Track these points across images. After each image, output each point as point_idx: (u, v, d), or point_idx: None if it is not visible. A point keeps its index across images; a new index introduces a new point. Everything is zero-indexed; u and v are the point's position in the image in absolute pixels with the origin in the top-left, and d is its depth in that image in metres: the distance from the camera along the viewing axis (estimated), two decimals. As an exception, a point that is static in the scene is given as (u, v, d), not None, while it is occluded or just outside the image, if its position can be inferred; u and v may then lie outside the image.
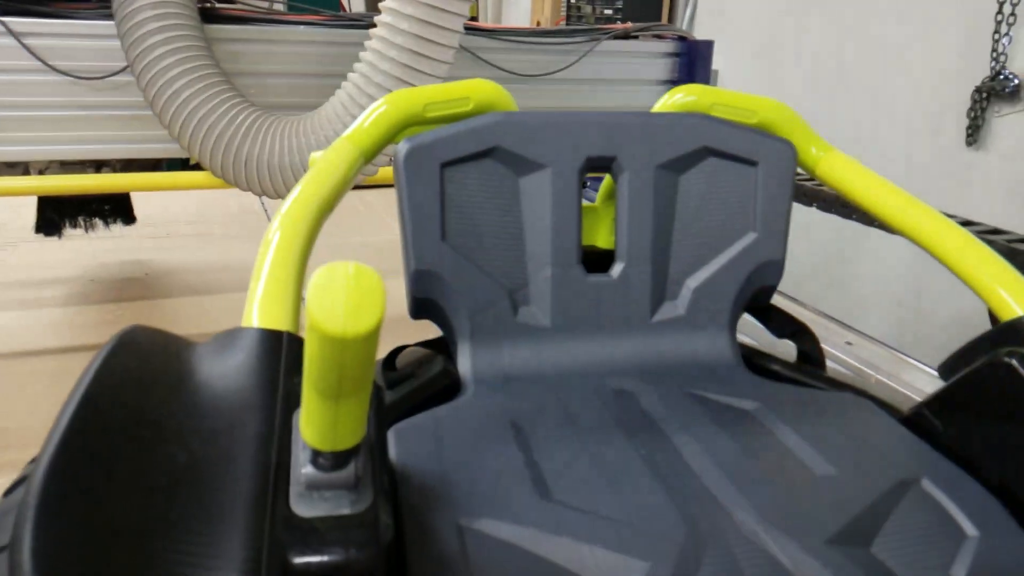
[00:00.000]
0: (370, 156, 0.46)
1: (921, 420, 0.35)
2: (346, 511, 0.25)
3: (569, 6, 2.31)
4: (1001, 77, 1.22)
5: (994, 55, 1.22)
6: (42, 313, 0.89)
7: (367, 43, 0.67)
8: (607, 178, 0.49)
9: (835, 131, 1.48)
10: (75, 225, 0.92)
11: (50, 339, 0.81)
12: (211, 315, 0.95)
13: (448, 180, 0.42)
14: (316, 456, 0.25)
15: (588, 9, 2.27)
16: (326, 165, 0.42)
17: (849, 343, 0.73)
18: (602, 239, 0.49)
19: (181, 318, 0.95)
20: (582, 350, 0.42)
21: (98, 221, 0.94)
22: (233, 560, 0.22)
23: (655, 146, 0.45)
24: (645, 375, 0.40)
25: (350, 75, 0.69)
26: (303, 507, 0.25)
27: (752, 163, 0.45)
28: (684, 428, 0.34)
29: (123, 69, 0.70)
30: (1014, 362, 0.31)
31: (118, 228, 0.95)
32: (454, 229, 0.41)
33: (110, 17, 0.67)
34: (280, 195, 0.70)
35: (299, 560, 0.24)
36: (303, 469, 0.26)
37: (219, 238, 1.26)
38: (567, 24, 2.17)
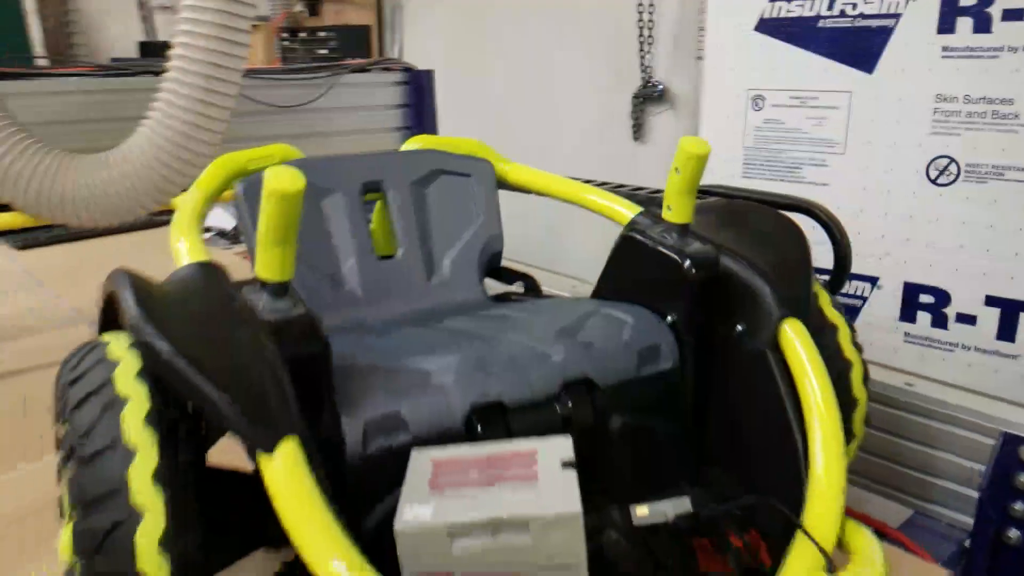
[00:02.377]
0: (212, 198, 0.61)
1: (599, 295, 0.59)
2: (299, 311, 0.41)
3: (284, 49, 2.45)
4: (650, 85, 1.59)
5: (643, 68, 1.60)
6: None
7: (163, 85, 0.79)
8: (379, 203, 0.68)
9: (531, 137, 1.80)
10: None
11: None
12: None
13: None
14: (268, 287, 0.41)
15: (302, 51, 2.42)
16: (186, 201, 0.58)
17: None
18: (390, 248, 0.67)
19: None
20: (384, 308, 0.61)
21: None
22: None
23: (406, 171, 0.67)
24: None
25: (148, 118, 0.80)
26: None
27: (467, 175, 0.68)
28: (464, 317, 0.55)
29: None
30: (631, 234, 0.55)
31: None
32: None
33: None
34: (91, 224, 0.79)
35: (270, 319, 0.39)
36: (261, 305, 0.41)
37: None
38: (283, 65, 2.31)
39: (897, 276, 1.04)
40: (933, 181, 0.99)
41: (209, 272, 0.44)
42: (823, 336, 0.51)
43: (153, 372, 0.37)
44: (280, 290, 0.41)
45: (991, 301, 0.97)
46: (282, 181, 0.38)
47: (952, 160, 0.97)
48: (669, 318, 0.52)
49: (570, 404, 0.46)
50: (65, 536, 0.39)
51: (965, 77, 0.94)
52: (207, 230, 1.62)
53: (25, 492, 0.64)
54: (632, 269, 0.56)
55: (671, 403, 0.51)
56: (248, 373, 0.36)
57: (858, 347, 0.53)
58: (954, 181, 0.97)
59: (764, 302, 0.48)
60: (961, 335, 1.00)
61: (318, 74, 1.21)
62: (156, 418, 0.35)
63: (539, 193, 0.71)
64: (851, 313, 1.09)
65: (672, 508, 0.42)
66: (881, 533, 0.64)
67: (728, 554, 0.44)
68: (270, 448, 0.34)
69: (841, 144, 1.08)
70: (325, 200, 0.63)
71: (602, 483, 0.45)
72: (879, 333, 1.06)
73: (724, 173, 1.22)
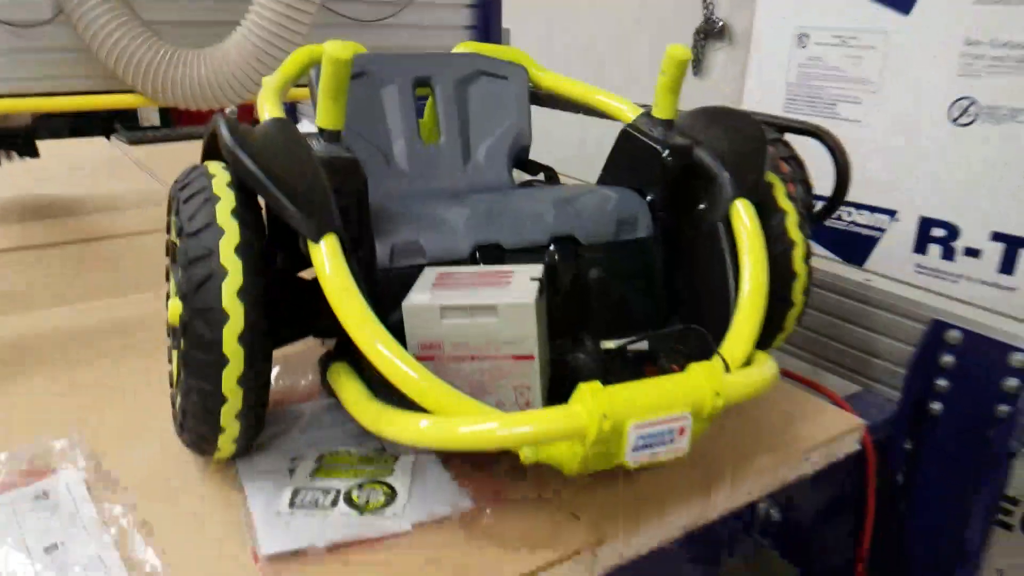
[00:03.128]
0: (291, 80, 0.74)
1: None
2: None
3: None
4: (711, 20, 1.65)
5: (705, 4, 1.65)
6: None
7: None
8: (430, 99, 0.79)
9: (589, 68, 1.88)
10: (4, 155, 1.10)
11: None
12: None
13: None
14: (324, 133, 0.54)
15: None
16: (271, 80, 0.71)
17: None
18: (434, 137, 0.79)
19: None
20: (424, 185, 0.74)
21: (11, 153, 1.11)
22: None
23: (453, 70, 0.78)
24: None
25: (243, 23, 0.94)
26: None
27: (504, 77, 0.79)
28: (486, 193, 0.67)
29: (54, 18, 0.90)
30: (627, 128, 0.66)
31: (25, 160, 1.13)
32: (349, 119, 0.69)
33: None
34: (203, 106, 0.95)
35: (323, 156, 0.52)
36: (318, 147, 0.54)
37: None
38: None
39: (913, 210, 1.11)
40: (954, 121, 1.04)
41: (283, 122, 0.57)
42: (772, 218, 0.61)
43: (239, 181, 0.51)
44: (333, 137, 0.55)
45: (997, 237, 1.03)
46: (337, 49, 0.51)
47: (973, 102, 1.02)
48: (649, 197, 0.63)
49: (556, 255, 0.58)
50: (173, 305, 0.54)
51: (993, 23, 0.99)
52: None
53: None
54: (625, 158, 0.67)
55: (643, 265, 0.63)
56: (303, 183, 0.49)
57: (803, 230, 0.63)
58: (973, 122, 1.02)
59: (722, 185, 0.59)
60: (966, 267, 1.06)
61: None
62: (238, 211, 0.49)
63: (564, 97, 0.82)
64: (869, 243, 1.17)
65: (630, 343, 0.54)
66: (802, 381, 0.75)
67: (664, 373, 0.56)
68: (316, 238, 0.48)
69: (875, 83, 1.14)
70: (383, 89, 0.75)
71: (581, 323, 0.58)
72: (895, 263, 1.14)
73: (767, 105, 1.29)
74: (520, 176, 0.82)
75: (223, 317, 0.47)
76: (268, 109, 0.65)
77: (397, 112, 0.75)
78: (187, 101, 0.91)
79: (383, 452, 0.56)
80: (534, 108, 0.81)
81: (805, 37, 1.23)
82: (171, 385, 0.58)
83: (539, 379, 0.50)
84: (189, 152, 1.56)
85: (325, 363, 0.56)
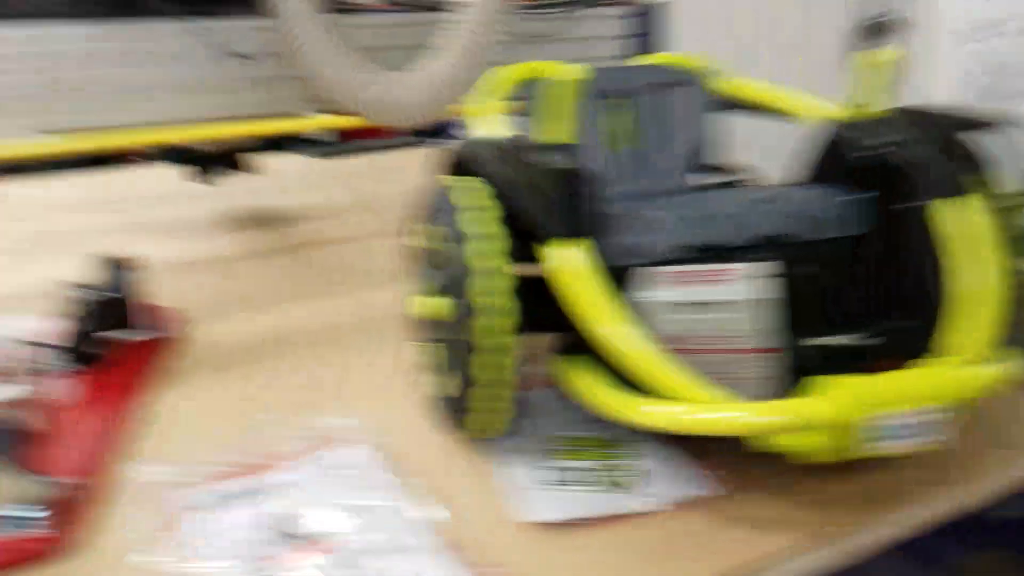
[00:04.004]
0: (505, 96, 0.81)
1: None
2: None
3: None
4: (879, 15, 1.61)
5: None
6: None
7: (459, 20, 1.01)
8: (616, 109, 0.84)
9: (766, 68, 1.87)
10: (218, 174, 1.25)
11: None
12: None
13: None
14: (551, 148, 0.60)
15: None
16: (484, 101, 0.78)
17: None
18: (619, 145, 0.83)
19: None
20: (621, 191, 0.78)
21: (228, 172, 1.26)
22: None
23: (638, 80, 0.82)
24: None
25: (446, 45, 1.03)
26: None
27: (686, 84, 0.82)
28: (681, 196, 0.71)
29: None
30: (829, 126, 0.68)
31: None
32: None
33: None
34: (397, 123, 1.05)
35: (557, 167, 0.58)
36: (548, 159, 0.60)
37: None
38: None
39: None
40: None
41: (516, 139, 0.64)
42: (994, 215, 0.62)
43: (493, 195, 0.58)
44: (569, 150, 0.61)
45: None
46: (565, 72, 0.57)
47: None
48: (855, 194, 0.66)
49: (767, 253, 0.62)
50: (431, 302, 0.62)
51: None
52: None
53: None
54: (826, 156, 0.69)
55: (853, 261, 0.65)
56: (550, 195, 0.56)
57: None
58: None
59: (932, 182, 0.60)
60: None
61: (564, 9, 1.39)
62: (497, 219, 0.56)
63: (749, 100, 0.85)
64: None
65: (841, 339, 0.57)
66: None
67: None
68: (564, 242, 0.54)
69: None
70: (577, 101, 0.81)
71: (794, 321, 0.61)
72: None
73: (944, 96, 1.26)
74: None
75: (499, 313, 0.53)
76: (488, 127, 0.72)
77: (590, 122, 0.80)
78: (390, 119, 1.02)
79: (622, 437, 0.62)
80: (716, 114, 0.85)
81: (989, 28, 1.19)
82: (425, 371, 0.66)
83: (774, 372, 0.54)
84: (374, 164, 1.69)
85: (555, 357, 0.62)
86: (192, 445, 0.63)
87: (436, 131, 2.18)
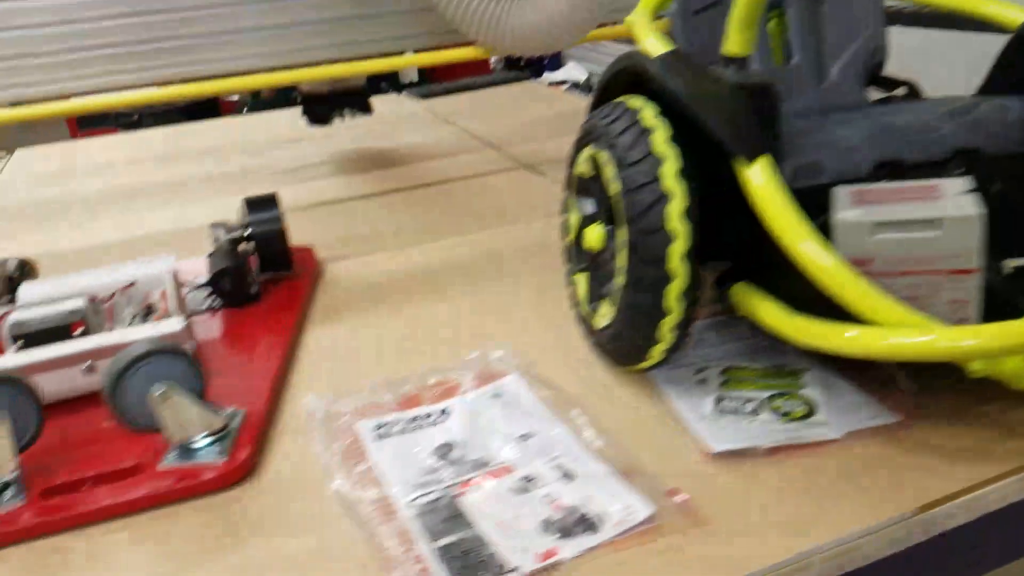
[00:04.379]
0: (658, 9, 0.76)
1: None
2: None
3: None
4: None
5: None
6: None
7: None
8: (778, 19, 0.78)
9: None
10: (336, 116, 1.25)
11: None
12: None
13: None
14: (735, 60, 0.56)
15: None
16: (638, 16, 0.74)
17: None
18: (780, 58, 0.78)
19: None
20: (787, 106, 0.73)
21: (347, 112, 1.26)
22: None
23: None
24: None
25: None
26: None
27: None
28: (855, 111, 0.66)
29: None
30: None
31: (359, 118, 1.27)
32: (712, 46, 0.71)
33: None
34: (535, 52, 1.01)
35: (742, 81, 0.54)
36: (729, 73, 0.56)
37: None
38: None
39: None
40: None
41: (682, 53, 0.60)
42: None
43: (667, 112, 0.55)
44: (743, 64, 0.57)
45: None
46: None
47: None
48: None
49: (960, 168, 0.57)
50: (593, 230, 0.60)
51: None
52: (562, 83, 1.85)
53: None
54: (1020, 64, 0.62)
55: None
56: (732, 108, 0.52)
57: None
58: None
59: None
60: None
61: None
62: (674, 140, 0.53)
63: (935, 6, 0.77)
64: None
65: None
66: None
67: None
68: (751, 159, 0.51)
69: None
70: None
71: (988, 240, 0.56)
72: None
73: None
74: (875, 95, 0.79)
75: (670, 237, 0.51)
76: (655, 43, 0.68)
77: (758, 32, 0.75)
78: (523, 48, 0.98)
79: (784, 367, 0.59)
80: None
81: None
82: (579, 301, 0.65)
83: (977, 294, 0.49)
84: (474, 103, 1.67)
85: (724, 283, 0.59)
86: (352, 377, 0.64)
87: (537, 65, 2.14)
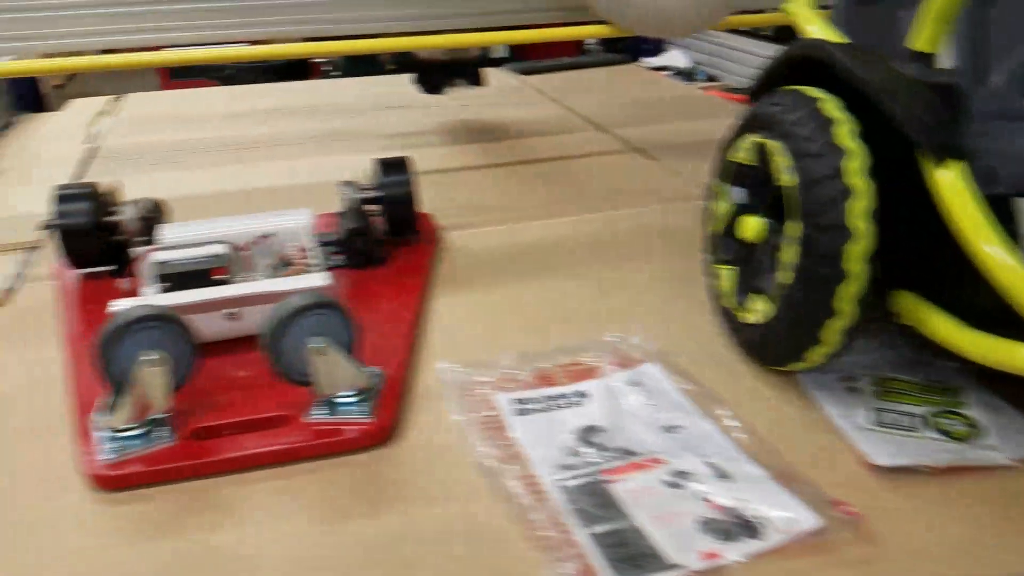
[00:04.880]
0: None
1: None
2: None
3: None
4: None
5: None
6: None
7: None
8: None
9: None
10: (449, 85, 1.24)
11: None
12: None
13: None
14: (922, 57, 0.52)
15: None
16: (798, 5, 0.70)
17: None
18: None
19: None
20: None
21: (460, 83, 1.25)
22: None
23: None
24: None
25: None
26: None
27: None
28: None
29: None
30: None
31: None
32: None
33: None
34: (669, 35, 0.98)
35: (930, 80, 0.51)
36: (914, 70, 0.53)
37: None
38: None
39: None
40: None
41: (860, 47, 0.57)
42: None
43: (851, 103, 0.52)
44: (930, 61, 0.54)
45: None
46: None
47: None
48: None
49: None
50: (750, 221, 0.57)
51: None
52: (663, 69, 1.81)
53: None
54: None
55: None
56: (925, 104, 0.49)
57: None
58: None
59: None
60: None
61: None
62: (858, 134, 0.50)
63: None
64: None
65: None
66: None
67: None
68: (941, 159, 0.48)
69: None
70: (899, 11, 0.72)
71: None
72: None
73: None
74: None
75: (850, 236, 0.48)
76: (821, 31, 0.65)
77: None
78: (658, 30, 0.96)
79: (942, 383, 0.56)
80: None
81: None
82: (724, 294, 0.62)
83: None
84: (575, 82, 1.65)
85: (884, 288, 0.57)
86: (481, 347, 0.63)
87: (635, 49, 2.10)
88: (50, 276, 0.75)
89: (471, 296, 0.73)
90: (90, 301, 0.69)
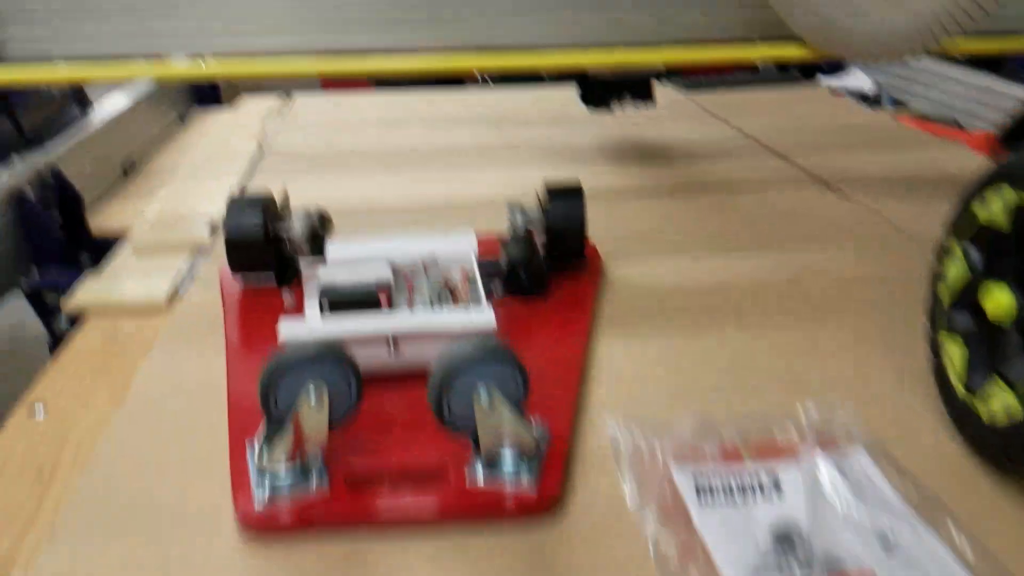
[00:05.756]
0: None
1: None
2: None
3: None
4: None
5: None
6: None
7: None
8: None
9: None
10: (617, 101, 1.18)
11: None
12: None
13: None
14: None
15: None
16: None
17: None
18: None
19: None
20: None
21: (630, 100, 1.18)
22: None
23: None
24: None
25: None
26: None
27: None
28: None
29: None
30: None
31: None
32: None
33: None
34: (880, 59, 0.87)
35: None
36: None
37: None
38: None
39: None
40: None
41: None
42: None
43: None
44: None
45: None
46: None
47: None
48: None
49: None
50: (997, 293, 0.48)
51: None
52: (842, 91, 1.67)
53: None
54: None
55: None
56: None
57: None
58: None
59: None
60: None
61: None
62: None
63: None
64: None
65: None
66: None
67: None
68: None
69: None
70: None
71: None
72: None
73: None
74: None
75: None
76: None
77: None
78: (863, 54, 0.86)
79: None
80: None
81: None
82: (942, 375, 0.53)
83: None
84: (744, 101, 1.54)
85: None
86: (651, 403, 0.57)
87: (811, 68, 1.95)
88: (216, 281, 0.75)
89: (638, 340, 0.66)
90: (254, 313, 0.68)
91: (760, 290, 0.75)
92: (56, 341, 0.86)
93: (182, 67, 0.89)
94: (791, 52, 0.91)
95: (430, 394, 0.45)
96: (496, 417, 0.45)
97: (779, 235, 0.88)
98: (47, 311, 0.88)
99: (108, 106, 1.25)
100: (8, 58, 0.87)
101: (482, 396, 0.44)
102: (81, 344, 0.69)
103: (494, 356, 0.45)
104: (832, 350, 0.64)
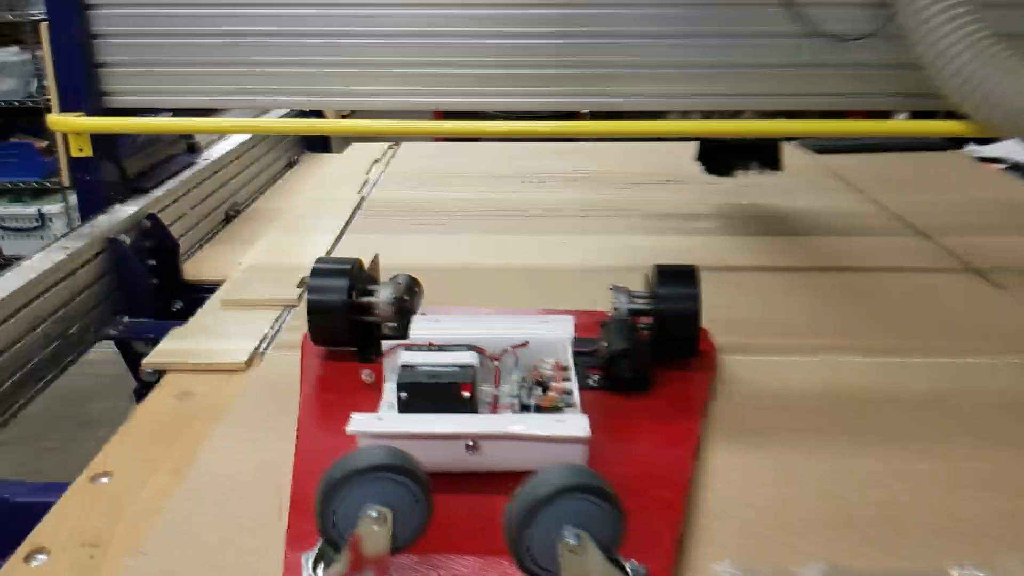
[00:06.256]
0: None
1: None
2: None
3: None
4: None
5: None
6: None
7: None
8: None
9: None
10: (740, 168, 1.09)
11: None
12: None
13: None
14: None
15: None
16: None
17: None
18: None
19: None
20: None
21: (753, 165, 1.09)
22: None
23: None
24: None
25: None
26: None
27: None
28: None
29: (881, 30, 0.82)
30: None
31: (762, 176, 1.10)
32: None
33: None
34: None
35: None
36: None
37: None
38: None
39: None
40: None
41: None
42: None
43: None
44: None
45: None
46: None
47: None
48: None
49: None
50: None
51: None
52: (994, 160, 1.51)
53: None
54: None
55: None
56: None
57: None
58: None
59: None
60: None
61: None
62: None
63: None
64: None
65: None
66: None
67: None
68: None
69: None
70: None
71: None
72: None
73: None
74: None
75: None
76: None
77: None
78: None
79: None
80: None
81: None
82: None
83: None
84: (880, 166, 1.41)
85: None
86: (774, 539, 0.48)
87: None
88: (297, 346, 0.71)
89: (756, 454, 0.57)
90: (330, 392, 0.63)
91: (906, 401, 0.64)
92: (143, 387, 0.85)
93: (286, 124, 0.89)
94: (945, 127, 0.81)
95: (507, 532, 0.38)
96: (583, 562, 0.37)
97: (926, 333, 0.76)
98: (135, 359, 0.86)
99: (217, 151, 1.26)
100: (115, 107, 0.89)
101: (569, 540, 0.37)
102: (153, 406, 0.66)
103: (585, 490, 0.37)
104: (1001, 488, 0.53)
